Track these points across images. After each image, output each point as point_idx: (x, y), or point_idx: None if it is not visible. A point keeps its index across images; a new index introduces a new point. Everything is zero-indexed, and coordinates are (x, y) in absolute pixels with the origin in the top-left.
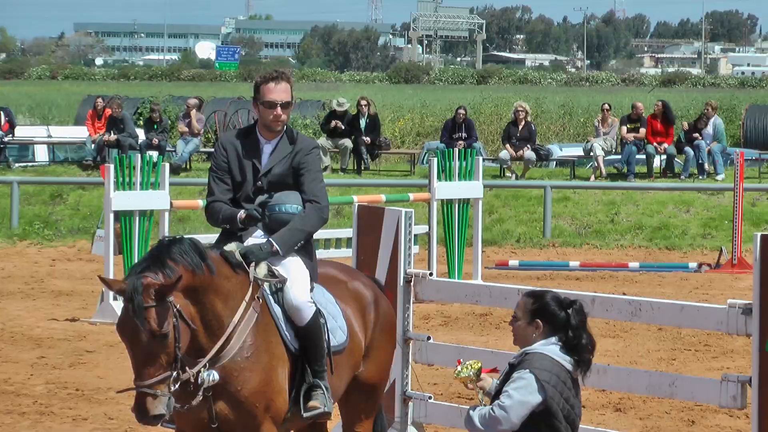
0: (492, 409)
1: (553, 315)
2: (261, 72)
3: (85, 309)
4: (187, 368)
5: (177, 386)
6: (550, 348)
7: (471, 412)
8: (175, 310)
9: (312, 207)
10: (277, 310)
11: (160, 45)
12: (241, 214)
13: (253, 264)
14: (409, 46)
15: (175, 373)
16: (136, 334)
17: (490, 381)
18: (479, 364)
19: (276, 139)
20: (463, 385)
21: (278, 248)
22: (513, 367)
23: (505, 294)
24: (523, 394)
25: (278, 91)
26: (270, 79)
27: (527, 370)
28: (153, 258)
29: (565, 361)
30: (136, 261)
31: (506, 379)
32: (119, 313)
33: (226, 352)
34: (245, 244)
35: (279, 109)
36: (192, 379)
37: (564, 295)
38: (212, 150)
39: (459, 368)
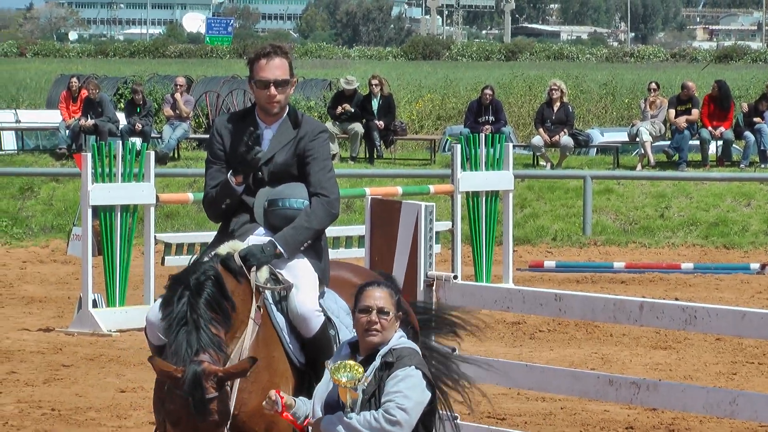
0: (388, 412)
1: (401, 305)
2: (256, 47)
3: (61, 318)
4: None
5: None
6: (406, 340)
7: (348, 419)
8: (229, 387)
9: (319, 201)
10: (280, 319)
11: (143, 17)
12: (230, 175)
13: (254, 268)
14: (427, 17)
15: None
16: (198, 428)
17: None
18: (362, 374)
19: (277, 122)
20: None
21: (282, 249)
22: (389, 365)
23: (540, 299)
24: (418, 394)
25: (271, 68)
26: (262, 55)
27: (412, 367)
28: (195, 326)
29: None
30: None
31: (378, 380)
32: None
33: None
34: (245, 243)
35: (273, 88)
36: None
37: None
38: (203, 136)
39: (337, 366)
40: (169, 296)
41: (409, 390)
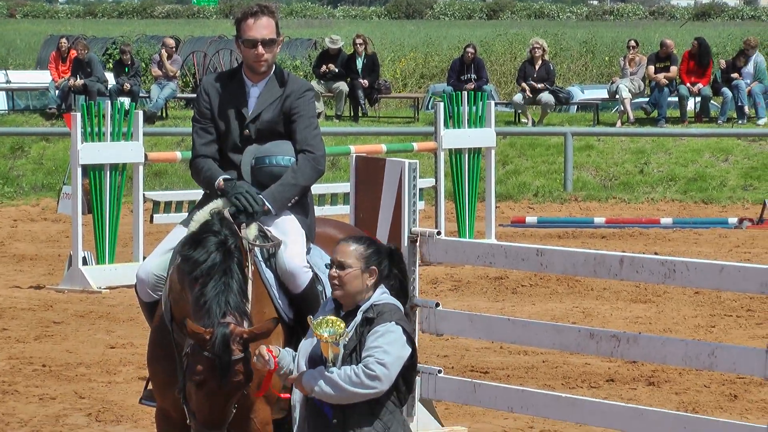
0: (367, 366)
1: (381, 262)
2: (242, 7)
3: (52, 275)
4: None
5: None
6: (389, 297)
7: (329, 374)
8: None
9: (305, 157)
10: (269, 276)
11: None
12: (219, 181)
13: (243, 226)
14: None
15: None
16: (223, 388)
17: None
18: (343, 329)
19: (264, 81)
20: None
21: (270, 206)
22: (369, 321)
23: (522, 255)
24: (398, 349)
25: (258, 28)
26: (249, 15)
27: (393, 323)
28: (225, 288)
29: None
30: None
31: (359, 336)
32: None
33: None
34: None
35: (260, 47)
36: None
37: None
38: (190, 96)
39: (319, 321)
40: (193, 255)
41: (388, 345)
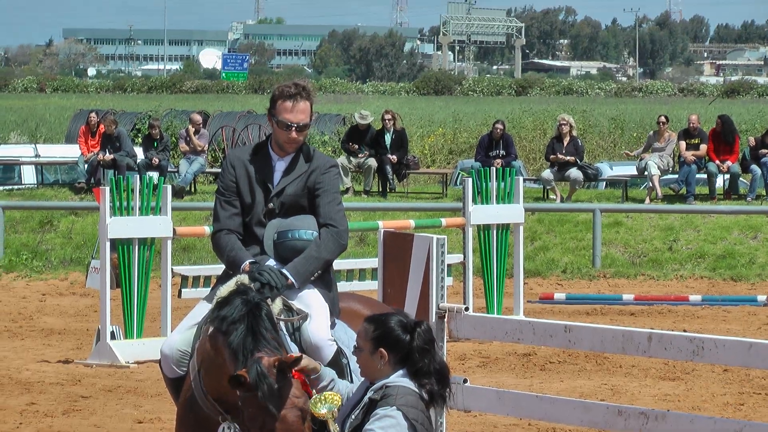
0: None
1: (396, 341)
2: (280, 83)
3: (80, 349)
4: None
5: None
6: (407, 381)
7: None
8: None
9: (328, 232)
10: (294, 349)
11: (160, 53)
12: (245, 266)
13: (269, 300)
14: (439, 52)
15: None
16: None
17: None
18: (340, 400)
19: (290, 155)
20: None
21: (292, 279)
22: (374, 402)
23: (550, 331)
24: None
25: (296, 112)
26: (288, 97)
27: (394, 407)
28: (250, 330)
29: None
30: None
31: (365, 415)
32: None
33: None
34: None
35: (294, 132)
36: None
37: (409, 318)
38: (219, 170)
39: (316, 399)
40: (221, 313)
41: (382, 430)
